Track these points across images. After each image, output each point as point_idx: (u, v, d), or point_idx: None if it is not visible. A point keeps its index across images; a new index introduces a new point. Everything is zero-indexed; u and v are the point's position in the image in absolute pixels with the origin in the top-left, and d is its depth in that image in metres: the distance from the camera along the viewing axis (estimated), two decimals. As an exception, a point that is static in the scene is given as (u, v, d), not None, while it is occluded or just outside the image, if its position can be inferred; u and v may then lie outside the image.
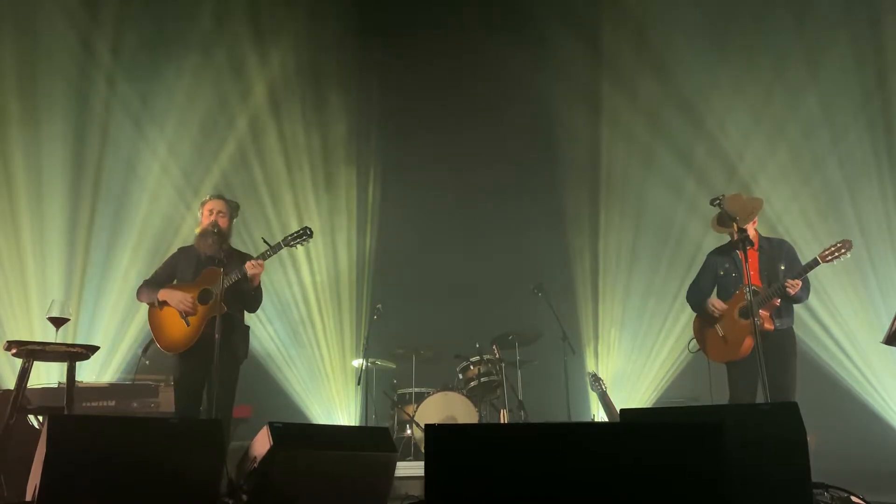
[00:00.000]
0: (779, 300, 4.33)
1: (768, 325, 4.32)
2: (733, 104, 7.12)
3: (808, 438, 2.80)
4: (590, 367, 7.48)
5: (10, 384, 4.53)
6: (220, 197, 4.60)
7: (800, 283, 4.24)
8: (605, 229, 7.88)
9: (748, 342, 4.33)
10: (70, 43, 6.86)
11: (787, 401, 3.77)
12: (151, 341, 4.41)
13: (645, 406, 6.93)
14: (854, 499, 3.07)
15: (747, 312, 4.30)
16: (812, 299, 6.42)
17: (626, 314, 7.63)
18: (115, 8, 7.00)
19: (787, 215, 6.71)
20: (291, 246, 4.35)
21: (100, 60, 6.98)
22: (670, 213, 7.43)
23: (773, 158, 6.99)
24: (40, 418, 4.08)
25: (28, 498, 2.84)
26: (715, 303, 4.55)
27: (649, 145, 7.63)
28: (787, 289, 4.22)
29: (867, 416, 6.23)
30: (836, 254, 4.17)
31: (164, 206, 7.18)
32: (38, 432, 3.50)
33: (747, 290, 4.20)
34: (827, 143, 6.79)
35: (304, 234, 4.36)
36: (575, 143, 7.93)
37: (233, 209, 4.57)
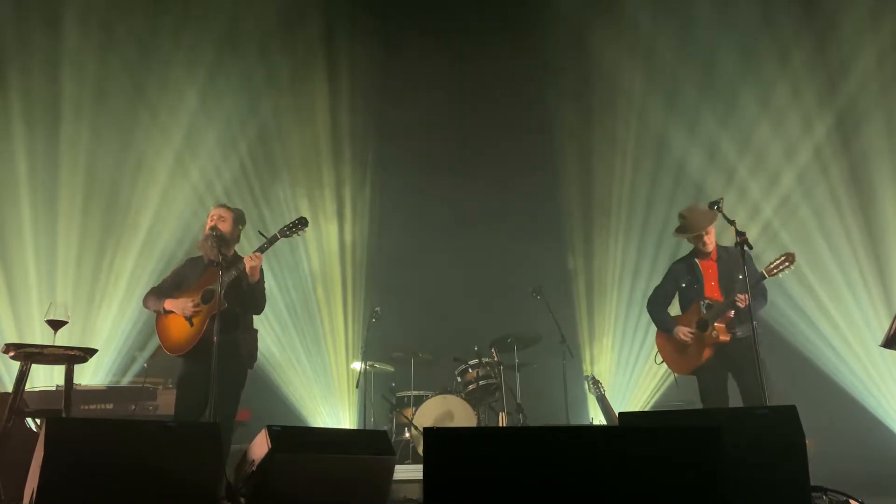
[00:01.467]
0: (732, 312, 4.51)
1: (724, 337, 4.50)
2: (731, 115, 7.16)
3: (807, 442, 2.80)
4: (588, 370, 7.47)
5: (8, 387, 4.53)
6: (222, 205, 4.64)
7: (746, 297, 4.31)
8: (602, 233, 7.88)
9: (706, 353, 4.58)
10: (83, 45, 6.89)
11: (786, 404, 3.78)
12: (158, 348, 4.42)
13: (643, 409, 6.92)
14: (852, 502, 3.08)
15: (704, 325, 4.59)
16: (810, 303, 6.47)
17: (624, 317, 7.62)
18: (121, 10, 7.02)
19: (785, 222, 6.75)
20: (287, 236, 4.39)
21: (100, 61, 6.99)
22: (667, 219, 7.44)
23: (771, 168, 7.01)
24: (38, 421, 4.07)
25: (26, 501, 2.84)
26: (682, 332, 4.69)
27: (646, 151, 7.66)
28: (737, 303, 4.41)
29: (866, 420, 6.23)
30: (781, 266, 4.37)
31: (161, 208, 7.17)
32: (35, 435, 3.49)
33: (703, 304, 4.58)
34: (827, 147, 6.80)
35: (300, 224, 4.40)
36: (574, 146, 7.95)
37: (237, 216, 4.58)
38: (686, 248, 5.07)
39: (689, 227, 4.74)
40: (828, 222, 6.65)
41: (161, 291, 4.48)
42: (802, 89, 6.82)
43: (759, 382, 4.12)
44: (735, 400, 4.59)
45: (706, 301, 4.59)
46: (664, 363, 4.93)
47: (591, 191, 7.93)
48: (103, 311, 6.71)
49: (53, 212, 6.78)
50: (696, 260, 4.81)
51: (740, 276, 4.40)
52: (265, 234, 4.36)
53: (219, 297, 4.09)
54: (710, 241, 4.73)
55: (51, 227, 6.73)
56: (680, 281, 4.88)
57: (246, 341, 4.38)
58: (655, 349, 4.99)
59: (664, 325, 4.85)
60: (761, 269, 4.48)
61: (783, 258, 4.38)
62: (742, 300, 4.36)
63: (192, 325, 4.26)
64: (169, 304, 4.36)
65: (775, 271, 4.38)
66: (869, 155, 6.57)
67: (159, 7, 7.24)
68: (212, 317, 4.17)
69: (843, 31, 6.61)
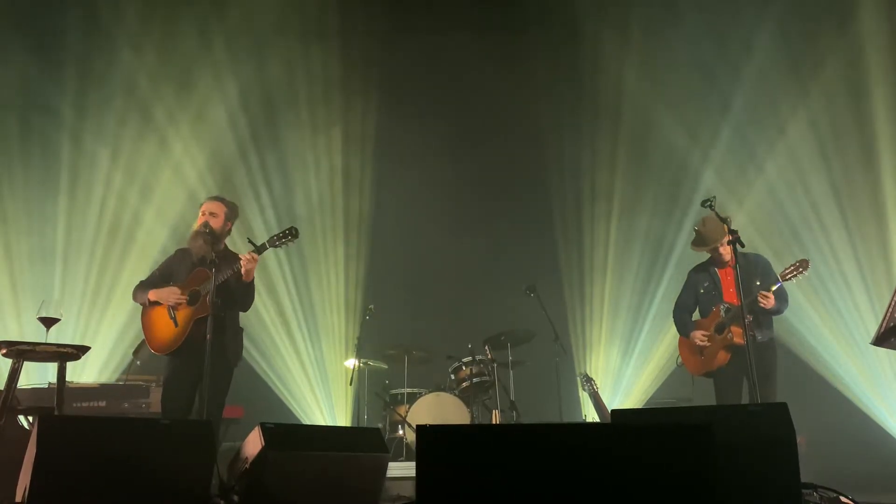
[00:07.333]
0: (750, 316, 4.50)
1: (739, 340, 4.53)
2: (722, 117, 7.19)
3: (798, 439, 2.81)
4: (581, 367, 7.49)
5: (0, 384, 4.51)
6: (216, 198, 4.55)
7: (772, 295, 4.47)
8: (597, 232, 7.90)
9: (721, 356, 4.67)
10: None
11: (777, 402, 3.81)
12: (143, 343, 4.39)
13: (636, 407, 6.95)
14: (843, 499, 3.10)
15: (721, 328, 4.68)
16: (802, 301, 6.50)
17: (618, 315, 7.65)
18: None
19: (781, 221, 6.80)
20: (277, 246, 4.28)
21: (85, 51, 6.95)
22: (661, 217, 7.47)
23: (767, 170, 7.04)
24: (30, 419, 4.06)
25: (18, 499, 2.83)
26: (697, 336, 4.81)
27: (640, 148, 7.68)
28: (760, 301, 4.46)
29: (856, 417, 6.27)
30: (795, 272, 4.51)
31: (154, 204, 7.14)
32: (28, 433, 3.47)
33: (722, 307, 4.66)
34: (826, 147, 6.83)
35: (290, 234, 4.28)
36: (566, 144, 7.96)
37: (229, 210, 4.51)
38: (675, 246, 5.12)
39: (704, 240, 4.79)
40: (819, 221, 6.68)
41: (149, 284, 4.40)
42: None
43: (769, 389, 4.31)
44: None
45: (725, 305, 4.69)
46: (683, 364, 5.06)
47: (586, 192, 7.94)
48: (95, 310, 6.69)
49: (48, 209, 6.75)
50: (715, 268, 4.90)
51: (757, 283, 4.53)
52: (254, 241, 4.28)
53: (211, 298, 4.02)
54: (727, 251, 4.72)
55: (45, 225, 6.71)
56: (698, 287, 4.97)
57: (233, 341, 4.33)
58: (670, 350, 5.08)
59: (684, 331, 4.97)
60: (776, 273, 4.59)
61: (797, 264, 4.51)
62: (766, 298, 4.44)
63: (176, 324, 4.19)
64: (153, 293, 4.27)
65: (790, 276, 4.52)
66: (869, 156, 6.60)
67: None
68: (198, 320, 4.12)
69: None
